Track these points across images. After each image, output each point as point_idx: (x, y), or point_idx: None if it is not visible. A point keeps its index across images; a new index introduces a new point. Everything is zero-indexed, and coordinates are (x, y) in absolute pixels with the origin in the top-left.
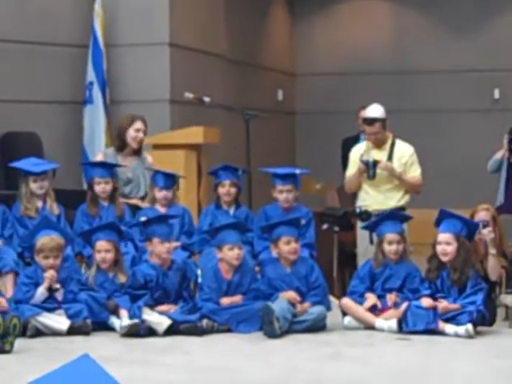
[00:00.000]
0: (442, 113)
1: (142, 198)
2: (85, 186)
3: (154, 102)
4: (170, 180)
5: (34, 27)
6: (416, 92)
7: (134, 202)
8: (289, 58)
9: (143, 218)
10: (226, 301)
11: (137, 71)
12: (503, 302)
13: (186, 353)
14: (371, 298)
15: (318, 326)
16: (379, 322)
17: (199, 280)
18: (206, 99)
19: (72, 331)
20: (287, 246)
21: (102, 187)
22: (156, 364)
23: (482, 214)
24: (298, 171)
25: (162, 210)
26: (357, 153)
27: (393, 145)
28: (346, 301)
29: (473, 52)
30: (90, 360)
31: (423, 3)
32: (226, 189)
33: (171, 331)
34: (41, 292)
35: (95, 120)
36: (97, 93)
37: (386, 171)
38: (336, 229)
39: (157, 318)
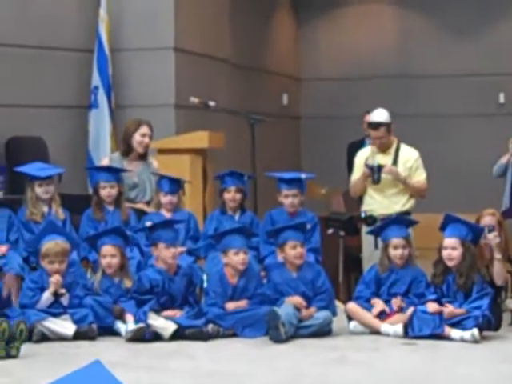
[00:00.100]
0: (447, 117)
1: (148, 203)
2: (90, 191)
3: (159, 107)
4: (176, 185)
5: (40, 32)
6: (420, 96)
7: (139, 206)
8: (294, 62)
9: (149, 223)
10: (231, 306)
11: (142, 76)
12: (509, 306)
13: (192, 358)
14: (379, 305)
15: (323, 331)
16: (385, 326)
17: (205, 285)
18: (211, 104)
19: (78, 336)
20: (293, 251)
21: (107, 191)
22: (161, 369)
23: (488, 219)
24: (303, 176)
25: (167, 214)
26: (362, 157)
27: (398, 149)
28: (352, 305)
29: (477, 56)
30: (101, 366)
31: (426, 7)
32: (232, 195)
33: (177, 336)
34: (46, 297)
35: (100, 124)
36: (102, 97)
37: (391, 175)
38: (341, 233)
39: (162, 323)
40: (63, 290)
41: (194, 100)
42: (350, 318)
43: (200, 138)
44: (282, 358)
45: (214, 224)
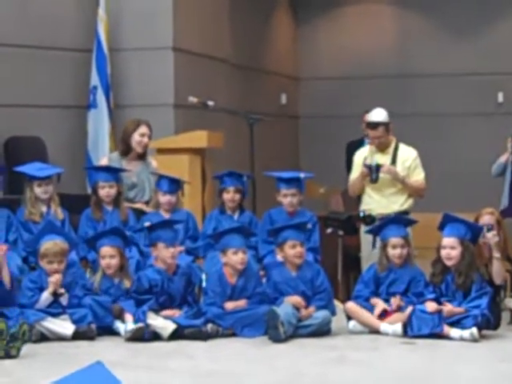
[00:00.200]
0: (446, 116)
1: (147, 203)
2: (89, 191)
3: (157, 107)
4: (174, 185)
5: (39, 32)
6: (419, 96)
7: (138, 206)
8: (292, 62)
9: (148, 223)
10: (230, 305)
11: (141, 75)
12: (508, 305)
13: (191, 357)
14: (380, 305)
15: (322, 331)
16: (384, 326)
17: (204, 284)
18: (210, 103)
19: (77, 336)
20: (293, 250)
21: (106, 191)
22: (161, 368)
23: (487, 218)
24: (302, 175)
25: (165, 214)
26: (360, 156)
27: (396, 149)
28: (351, 305)
29: (476, 55)
30: (102, 367)
31: (425, 7)
32: (231, 195)
33: (176, 336)
34: (45, 297)
35: (99, 124)
36: (101, 97)
37: (389, 175)
38: (340, 233)
39: (161, 323)
40: (62, 290)
41: (193, 100)
42: (349, 318)
43: (199, 138)
44: (281, 357)
45: (212, 223)
